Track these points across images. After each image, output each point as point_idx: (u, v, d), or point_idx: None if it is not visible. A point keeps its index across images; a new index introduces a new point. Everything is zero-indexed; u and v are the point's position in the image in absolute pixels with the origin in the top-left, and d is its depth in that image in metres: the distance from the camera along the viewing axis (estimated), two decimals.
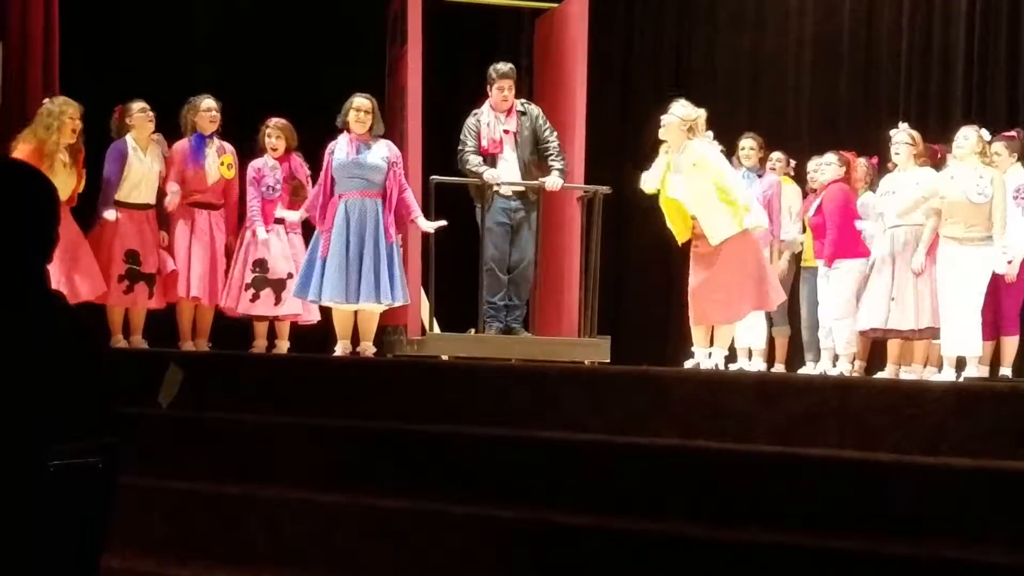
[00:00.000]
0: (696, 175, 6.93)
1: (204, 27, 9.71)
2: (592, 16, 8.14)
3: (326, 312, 7.60)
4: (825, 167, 7.80)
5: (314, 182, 7.58)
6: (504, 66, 7.78)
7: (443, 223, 7.41)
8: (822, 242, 7.75)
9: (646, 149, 7.60)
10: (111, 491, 2.48)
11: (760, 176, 7.99)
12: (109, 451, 2.45)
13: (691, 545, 4.57)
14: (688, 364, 7.23)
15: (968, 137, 7.07)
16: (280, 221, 7.70)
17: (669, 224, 7.18)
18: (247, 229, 7.68)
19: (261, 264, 7.60)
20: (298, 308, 7.63)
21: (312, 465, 5.48)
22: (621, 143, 10.20)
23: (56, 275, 6.87)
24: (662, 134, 7.11)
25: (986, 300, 7.17)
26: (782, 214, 8.12)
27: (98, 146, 7.53)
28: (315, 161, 7.55)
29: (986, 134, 7.20)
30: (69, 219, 7.13)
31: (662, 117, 7.11)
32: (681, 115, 7.01)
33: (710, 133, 7.24)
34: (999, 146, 7.37)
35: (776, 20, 10.03)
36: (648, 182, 7.24)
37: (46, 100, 7.34)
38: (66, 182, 7.09)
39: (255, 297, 7.59)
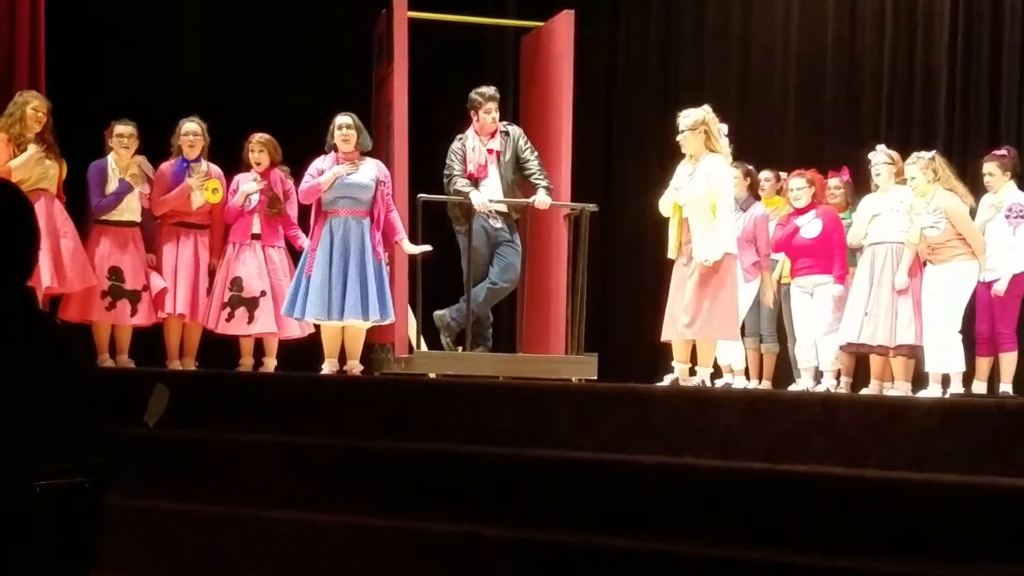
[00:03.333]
0: (706, 186, 6.97)
1: (192, 46, 9.71)
2: (578, 34, 8.17)
3: (315, 329, 7.60)
4: (797, 192, 7.84)
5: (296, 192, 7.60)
6: (489, 89, 7.81)
7: (428, 248, 7.43)
8: (809, 260, 7.77)
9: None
10: (98, 512, 2.47)
11: (744, 210, 7.95)
12: (96, 471, 2.45)
13: (678, 562, 4.58)
14: (667, 379, 7.23)
15: (915, 176, 7.15)
16: (257, 236, 7.71)
17: (671, 232, 7.16)
18: (228, 244, 7.70)
19: (237, 283, 7.61)
20: (272, 326, 7.63)
21: (299, 484, 5.47)
22: (607, 161, 10.23)
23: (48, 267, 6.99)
24: (684, 149, 7.13)
25: (981, 317, 7.20)
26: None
27: (85, 156, 7.55)
28: (301, 180, 7.54)
29: (926, 154, 7.24)
30: (64, 214, 7.25)
31: (678, 138, 7.11)
32: (689, 124, 7.04)
33: (724, 127, 7.25)
34: (992, 166, 7.37)
35: (762, 40, 10.07)
36: (664, 206, 7.23)
37: (16, 94, 7.39)
38: (47, 172, 7.20)
39: (230, 316, 7.60)
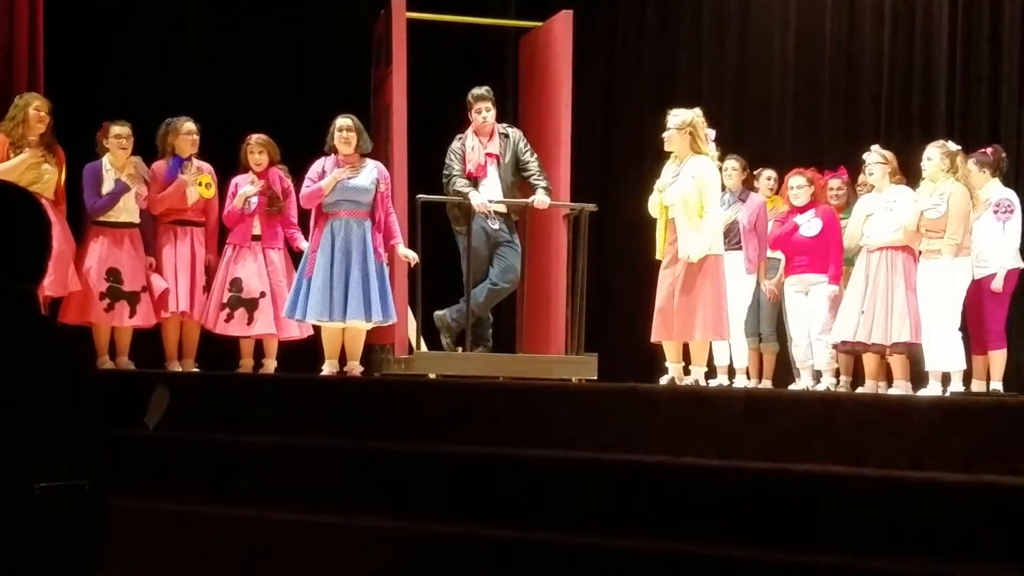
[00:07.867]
0: (692, 186, 6.99)
1: (192, 48, 9.71)
2: (576, 35, 8.17)
3: (314, 331, 7.60)
4: (797, 190, 7.86)
5: (297, 194, 7.59)
6: (480, 89, 7.82)
7: (417, 259, 7.42)
8: (806, 259, 7.78)
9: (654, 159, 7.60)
10: (98, 514, 2.47)
11: (743, 200, 7.98)
12: (96, 474, 2.45)
13: (679, 562, 4.57)
14: (663, 380, 7.24)
15: (931, 157, 7.14)
16: (257, 237, 7.71)
17: (658, 233, 7.21)
18: (227, 245, 7.70)
19: (236, 284, 7.62)
20: (271, 328, 7.65)
21: (299, 485, 5.47)
22: (606, 161, 10.22)
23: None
24: (668, 147, 7.17)
25: (970, 315, 7.20)
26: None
27: (82, 157, 7.54)
28: (300, 181, 7.54)
29: (953, 146, 7.25)
30: (61, 220, 7.20)
31: (664, 135, 7.17)
32: (677, 124, 7.08)
33: (712, 132, 7.28)
34: (972, 163, 7.44)
35: (759, 38, 10.08)
36: (651, 208, 7.29)
37: (16, 96, 7.37)
38: (42, 176, 7.17)
39: (229, 317, 7.61)
